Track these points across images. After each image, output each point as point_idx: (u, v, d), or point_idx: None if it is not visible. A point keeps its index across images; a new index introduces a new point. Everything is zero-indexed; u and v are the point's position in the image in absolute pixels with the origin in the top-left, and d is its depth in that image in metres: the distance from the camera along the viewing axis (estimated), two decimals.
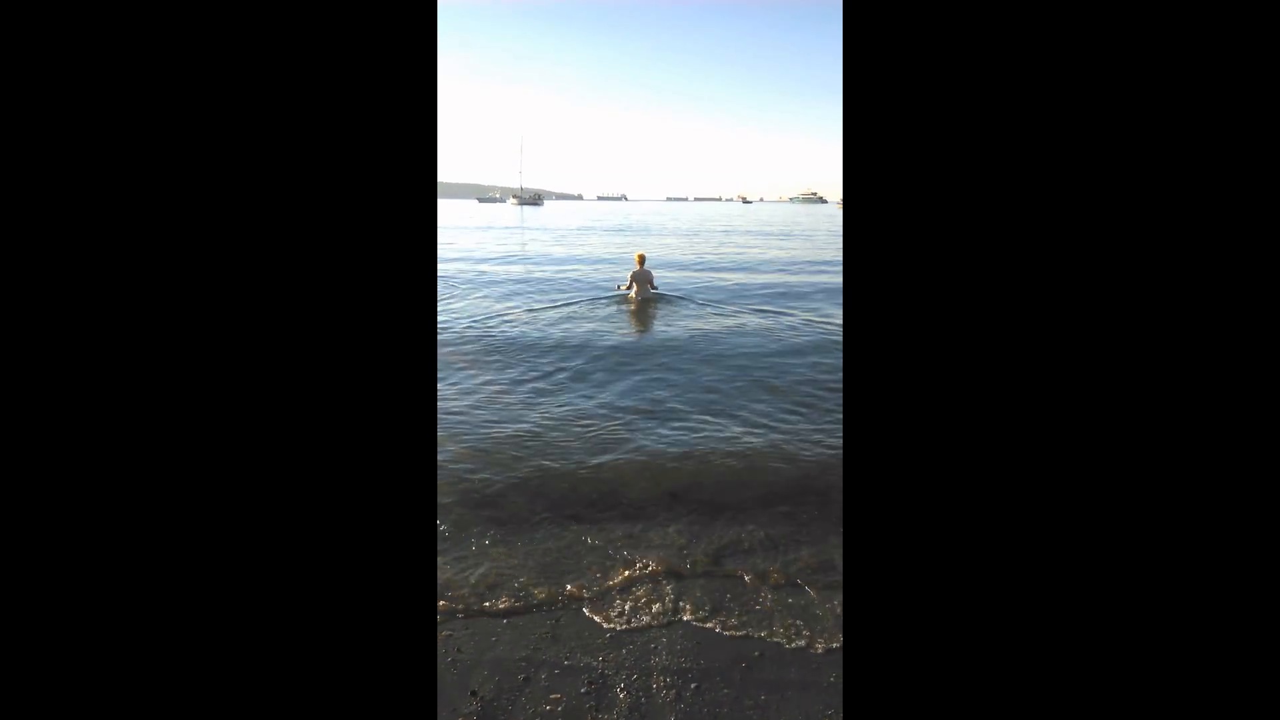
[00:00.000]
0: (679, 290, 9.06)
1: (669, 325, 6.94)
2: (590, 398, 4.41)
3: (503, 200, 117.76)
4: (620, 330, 6.71)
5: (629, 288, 8.17)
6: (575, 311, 7.65)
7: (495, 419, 3.92)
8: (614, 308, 7.86)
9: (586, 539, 2.54)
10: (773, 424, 3.88)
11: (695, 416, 4.00)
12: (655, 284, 8.34)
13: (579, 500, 2.88)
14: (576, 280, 10.72)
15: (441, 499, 2.79)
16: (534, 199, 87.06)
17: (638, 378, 4.90)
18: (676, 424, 3.87)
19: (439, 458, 3.25)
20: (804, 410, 4.13)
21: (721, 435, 3.70)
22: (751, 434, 3.70)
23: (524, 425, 3.81)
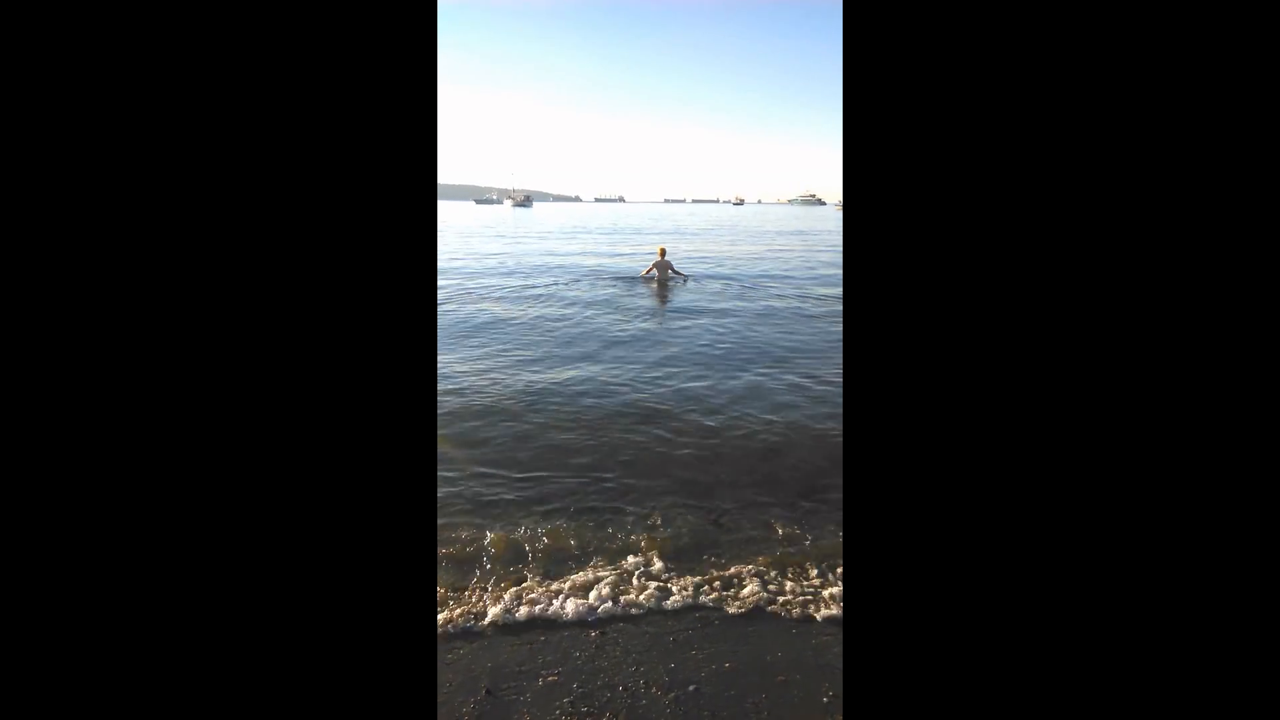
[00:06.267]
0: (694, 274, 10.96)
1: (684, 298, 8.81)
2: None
3: (499, 201, 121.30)
4: (646, 302, 8.34)
5: (650, 273, 10.05)
6: (612, 288, 9.48)
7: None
8: (640, 287, 9.76)
9: None
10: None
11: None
12: (675, 270, 10.19)
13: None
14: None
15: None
16: (524, 200, 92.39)
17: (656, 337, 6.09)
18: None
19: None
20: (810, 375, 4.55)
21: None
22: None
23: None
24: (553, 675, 1.79)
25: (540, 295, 8.69)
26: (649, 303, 8.07)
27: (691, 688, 1.75)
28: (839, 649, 1.90)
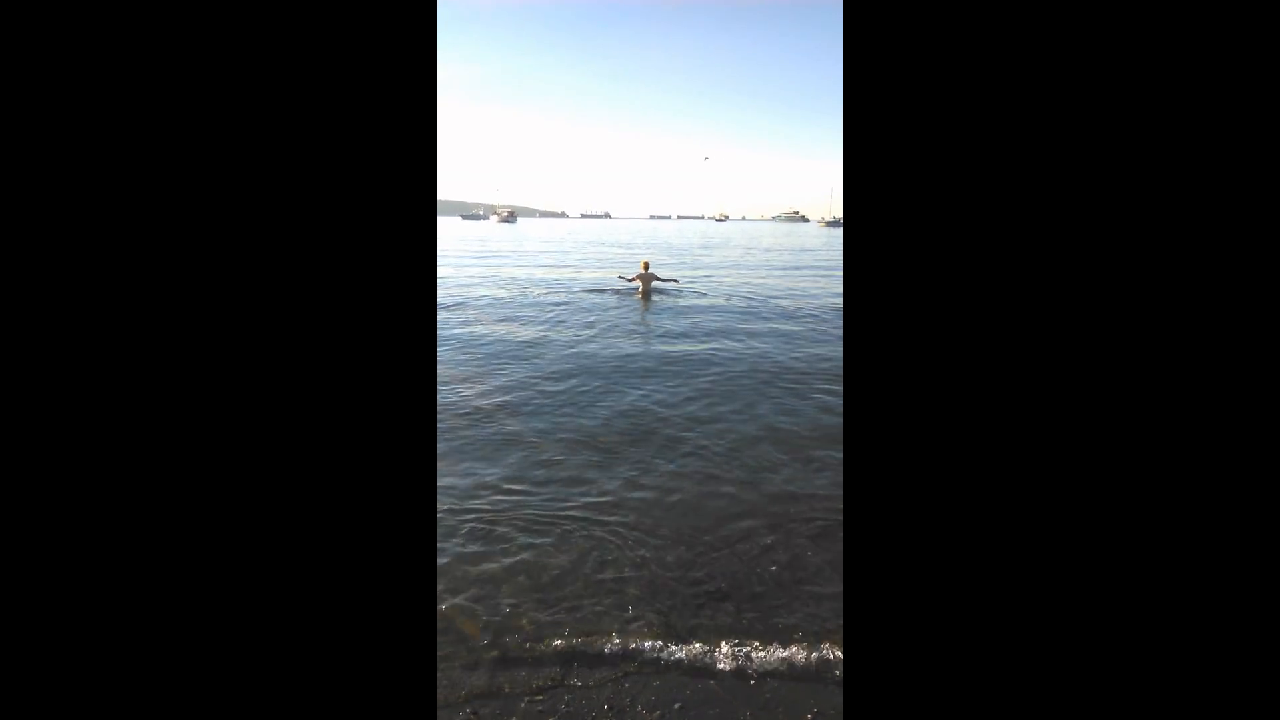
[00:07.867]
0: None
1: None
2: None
3: (485, 217, 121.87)
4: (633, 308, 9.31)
5: (632, 280, 10.97)
6: (599, 294, 10.81)
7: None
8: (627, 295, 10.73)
9: None
10: None
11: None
12: (661, 278, 11.18)
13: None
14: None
15: None
16: (509, 216, 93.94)
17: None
18: None
19: None
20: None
21: None
22: None
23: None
24: (538, 695, 1.79)
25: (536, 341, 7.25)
26: (637, 335, 7.43)
27: (677, 706, 1.76)
28: (824, 668, 1.92)
